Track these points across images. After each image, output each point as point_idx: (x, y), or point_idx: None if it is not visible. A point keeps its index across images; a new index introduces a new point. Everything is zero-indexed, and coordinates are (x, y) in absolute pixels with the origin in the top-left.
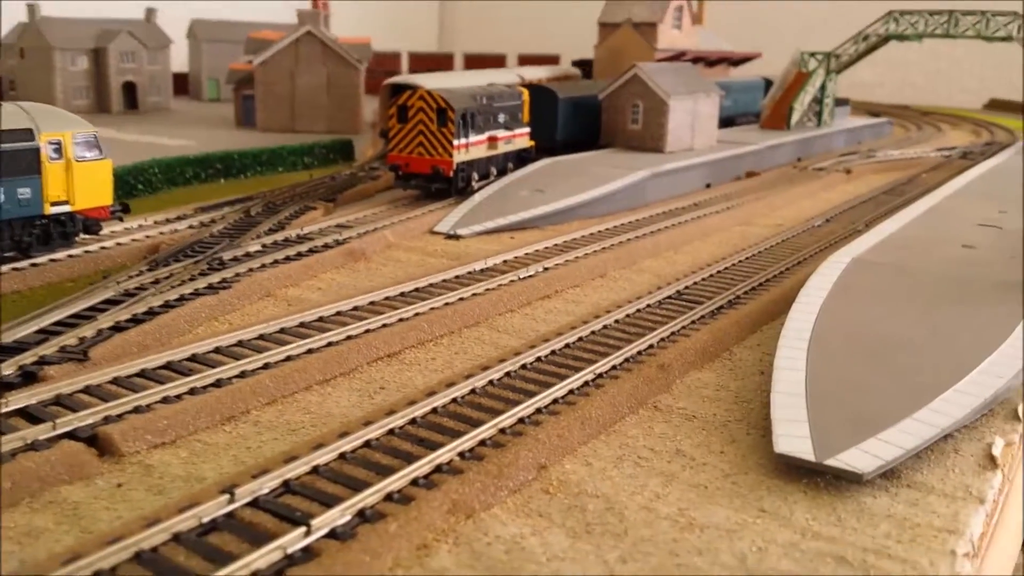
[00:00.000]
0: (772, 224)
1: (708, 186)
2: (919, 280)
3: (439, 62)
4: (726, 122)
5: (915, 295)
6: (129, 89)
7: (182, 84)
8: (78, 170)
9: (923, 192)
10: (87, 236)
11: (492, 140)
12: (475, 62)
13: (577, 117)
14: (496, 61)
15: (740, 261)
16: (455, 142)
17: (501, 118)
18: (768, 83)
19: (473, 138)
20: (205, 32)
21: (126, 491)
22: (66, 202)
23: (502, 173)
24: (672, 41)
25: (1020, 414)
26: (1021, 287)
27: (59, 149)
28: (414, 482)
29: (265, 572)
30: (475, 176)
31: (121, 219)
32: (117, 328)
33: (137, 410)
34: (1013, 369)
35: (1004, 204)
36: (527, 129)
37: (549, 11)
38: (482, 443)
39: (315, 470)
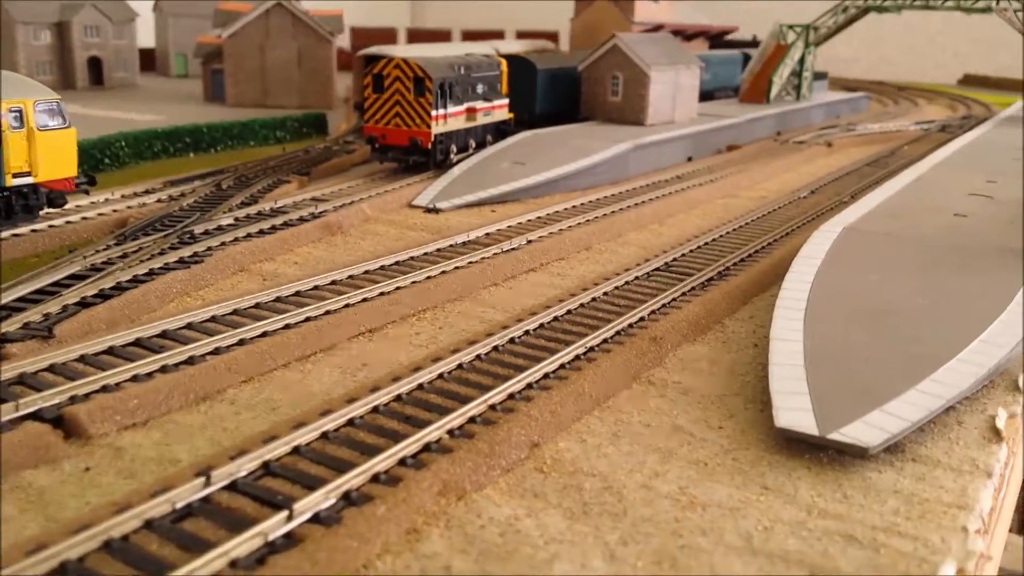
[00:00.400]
0: (756, 196)
1: (690, 159)
2: (914, 248)
3: (439, 39)
4: (705, 96)
5: (910, 263)
6: (94, 64)
7: (149, 60)
8: (41, 139)
9: (906, 164)
10: (51, 210)
11: (471, 111)
12: (473, 38)
13: (556, 89)
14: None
15: (727, 233)
16: (433, 113)
17: (480, 89)
18: (746, 58)
19: (451, 109)
20: (172, 6)
21: (94, 475)
22: (28, 173)
23: (481, 146)
24: (649, 14)
25: (1021, 385)
26: (1019, 255)
27: (20, 117)
28: (402, 462)
29: (245, 560)
30: (454, 148)
31: (87, 192)
32: (83, 304)
33: (105, 389)
34: (1014, 338)
35: (992, 175)
36: (506, 101)
37: None
38: (472, 420)
39: (296, 451)
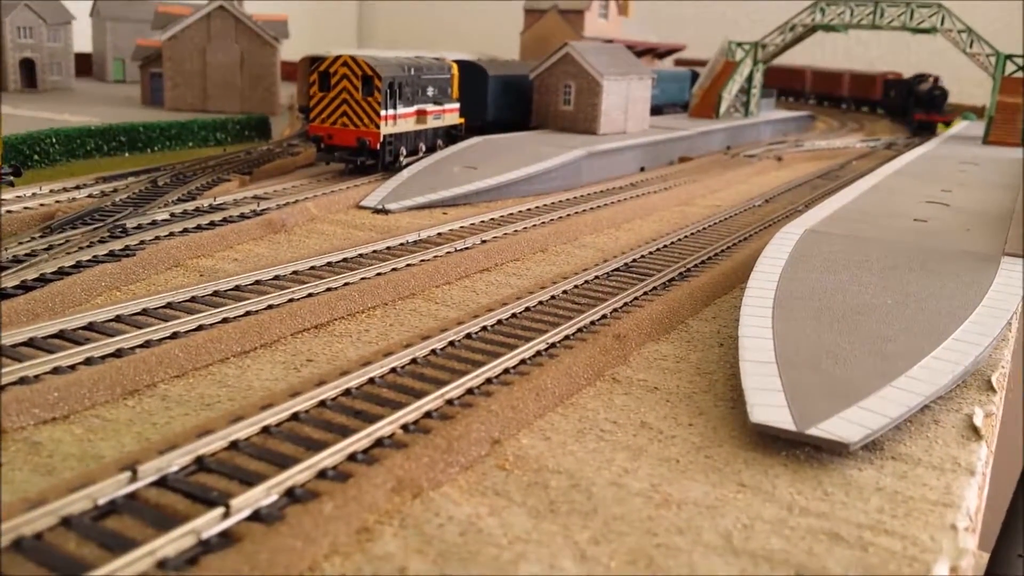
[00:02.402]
0: (711, 205)
1: (642, 169)
2: (877, 250)
3: None
4: (654, 111)
5: (875, 264)
6: (27, 66)
7: (85, 64)
8: None
9: (856, 177)
10: None
11: (421, 114)
12: None
13: (508, 96)
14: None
15: (685, 237)
16: (382, 112)
17: (430, 91)
18: (695, 75)
19: (401, 110)
20: (110, 10)
21: (8, 472)
22: None
23: (431, 150)
24: (599, 30)
25: (994, 384)
26: (984, 259)
27: None
28: (351, 457)
29: (174, 560)
30: (403, 151)
31: (12, 184)
32: (3, 295)
33: (23, 381)
34: (988, 337)
35: (946, 185)
36: (457, 105)
37: (469, 7)
38: (427, 415)
39: (234, 445)
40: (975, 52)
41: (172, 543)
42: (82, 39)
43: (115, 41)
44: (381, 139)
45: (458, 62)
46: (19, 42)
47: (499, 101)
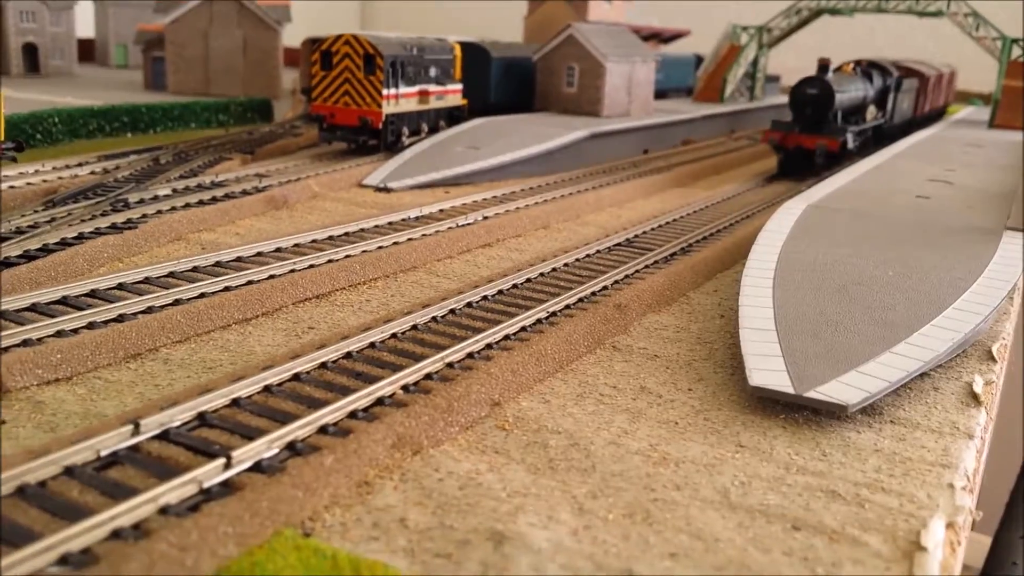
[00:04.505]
0: (714, 185)
1: (646, 151)
2: (880, 224)
3: None
4: (658, 95)
5: (878, 237)
6: (30, 51)
7: (88, 50)
8: None
9: (863, 157)
10: None
11: (423, 94)
12: None
13: (511, 78)
14: None
15: (688, 215)
16: (384, 92)
17: (432, 72)
18: (699, 59)
19: (403, 89)
20: None
21: (11, 428)
22: None
23: (433, 130)
24: (603, 15)
25: (995, 354)
26: (985, 233)
27: None
28: (352, 415)
29: (176, 507)
30: (405, 131)
31: (15, 159)
32: (6, 264)
33: (26, 343)
34: (988, 307)
35: (949, 165)
36: (460, 86)
37: None
38: (428, 377)
39: (236, 403)
40: (981, 36)
41: (174, 491)
42: (84, 24)
43: (117, 26)
44: (383, 118)
45: (461, 43)
46: (21, 27)
47: (502, 83)
